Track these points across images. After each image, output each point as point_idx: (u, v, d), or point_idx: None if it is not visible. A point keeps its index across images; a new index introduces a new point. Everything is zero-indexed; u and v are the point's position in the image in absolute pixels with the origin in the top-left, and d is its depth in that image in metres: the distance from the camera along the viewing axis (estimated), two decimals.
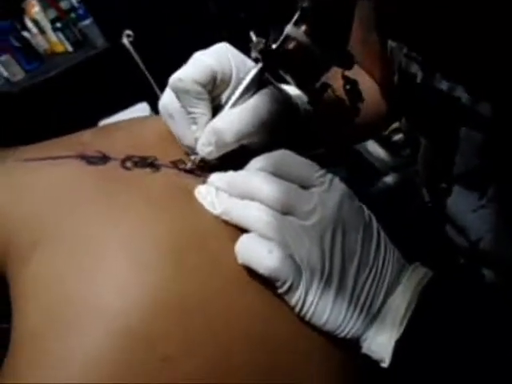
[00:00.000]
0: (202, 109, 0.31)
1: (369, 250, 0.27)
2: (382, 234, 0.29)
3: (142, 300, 0.24)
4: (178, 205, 0.29)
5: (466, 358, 0.26)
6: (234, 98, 0.31)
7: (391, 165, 0.85)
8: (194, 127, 0.31)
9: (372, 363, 0.28)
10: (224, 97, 0.33)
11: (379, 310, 0.27)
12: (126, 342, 0.22)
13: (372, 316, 0.27)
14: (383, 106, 0.50)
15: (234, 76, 0.32)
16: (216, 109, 0.32)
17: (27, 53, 1.72)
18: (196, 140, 0.32)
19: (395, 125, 0.84)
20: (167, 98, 0.32)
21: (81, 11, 1.76)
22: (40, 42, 1.78)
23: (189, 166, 0.33)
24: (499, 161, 0.34)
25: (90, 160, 0.31)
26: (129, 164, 0.31)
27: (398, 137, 0.89)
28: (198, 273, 0.26)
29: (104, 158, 0.31)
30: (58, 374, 0.22)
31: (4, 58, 1.66)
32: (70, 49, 1.78)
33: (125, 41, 1.24)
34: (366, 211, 0.29)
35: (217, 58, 0.31)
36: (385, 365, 0.27)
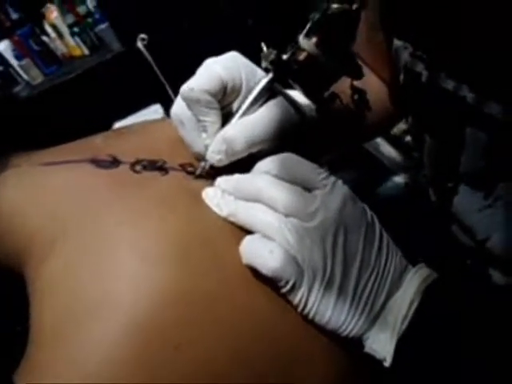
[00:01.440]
0: (212, 117, 0.31)
1: (371, 250, 0.28)
2: (385, 235, 0.29)
3: (151, 293, 0.25)
4: (185, 206, 0.30)
5: (468, 358, 0.26)
6: (244, 107, 0.32)
7: (402, 166, 0.85)
8: (204, 135, 0.32)
9: (375, 362, 0.28)
10: (234, 105, 0.33)
11: (381, 310, 0.28)
12: (138, 333, 0.24)
13: (374, 315, 0.28)
14: (390, 106, 0.50)
15: (244, 85, 0.32)
16: (226, 117, 0.33)
17: (46, 57, 1.77)
18: (206, 147, 0.32)
19: (406, 126, 0.84)
20: (178, 107, 0.33)
21: (97, 16, 1.80)
22: (58, 46, 1.82)
23: (198, 171, 0.33)
24: (505, 161, 0.33)
25: (101, 164, 0.32)
26: (138, 167, 0.32)
27: (409, 138, 0.88)
28: (201, 269, 0.27)
29: (115, 162, 0.32)
30: (76, 366, 0.23)
31: (24, 62, 1.72)
32: (86, 52, 1.83)
33: (139, 44, 1.27)
34: (369, 212, 0.29)
35: (227, 67, 0.32)
36: (386, 364, 0.27)
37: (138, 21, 1.51)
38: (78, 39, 1.79)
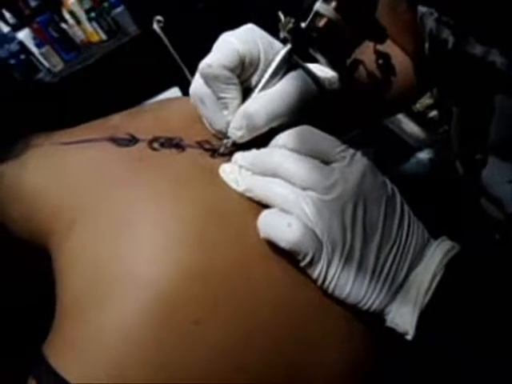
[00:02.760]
0: (232, 93, 0.31)
1: (391, 223, 0.27)
2: (406, 207, 0.28)
3: (169, 270, 0.25)
4: (202, 183, 0.30)
5: (492, 332, 0.26)
6: (263, 80, 0.31)
7: (427, 141, 0.82)
8: (225, 112, 0.32)
9: (397, 336, 0.28)
10: (253, 79, 0.33)
11: (403, 283, 0.27)
12: (157, 308, 0.24)
13: (395, 289, 0.27)
14: (414, 77, 0.48)
15: (262, 58, 0.31)
16: (246, 92, 0.32)
17: (65, 44, 1.79)
18: (227, 124, 0.32)
19: (430, 101, 0.81)
20: (197, 84, 0.33)
21: None
22: (77, 33, 1.84)
23: (221, 150, 0.33)
24: None
25: (120, 142, 0.32)
26: (156, 145, 0.32)
27: (433, 113, 0.85)
28: (219, 244, 0.27)
29: (132, 140, 0.33)
30: (97, 344, 0.24)
31: (44, 49, 1.74)
32: (104, 37, 1.83)
33: (155, 26, 1.26)
34: (390, 185, 0.29)
35: (244, 41, 0.31)
36: (409, 337, 0.27)
37: (153, 2, 1.50)
38: (95, 24, 1.80)
